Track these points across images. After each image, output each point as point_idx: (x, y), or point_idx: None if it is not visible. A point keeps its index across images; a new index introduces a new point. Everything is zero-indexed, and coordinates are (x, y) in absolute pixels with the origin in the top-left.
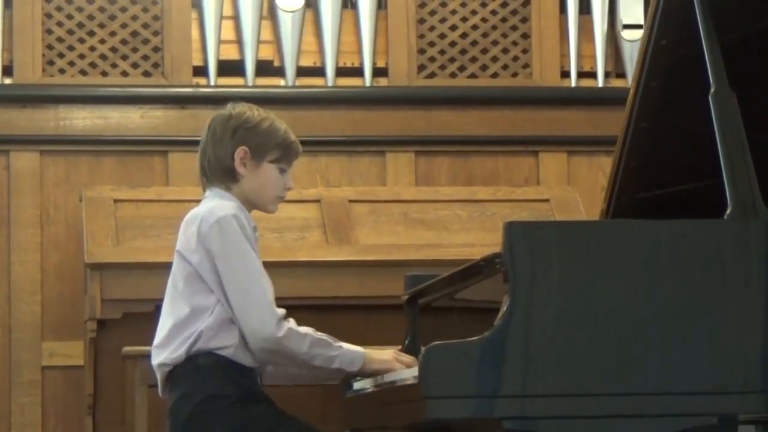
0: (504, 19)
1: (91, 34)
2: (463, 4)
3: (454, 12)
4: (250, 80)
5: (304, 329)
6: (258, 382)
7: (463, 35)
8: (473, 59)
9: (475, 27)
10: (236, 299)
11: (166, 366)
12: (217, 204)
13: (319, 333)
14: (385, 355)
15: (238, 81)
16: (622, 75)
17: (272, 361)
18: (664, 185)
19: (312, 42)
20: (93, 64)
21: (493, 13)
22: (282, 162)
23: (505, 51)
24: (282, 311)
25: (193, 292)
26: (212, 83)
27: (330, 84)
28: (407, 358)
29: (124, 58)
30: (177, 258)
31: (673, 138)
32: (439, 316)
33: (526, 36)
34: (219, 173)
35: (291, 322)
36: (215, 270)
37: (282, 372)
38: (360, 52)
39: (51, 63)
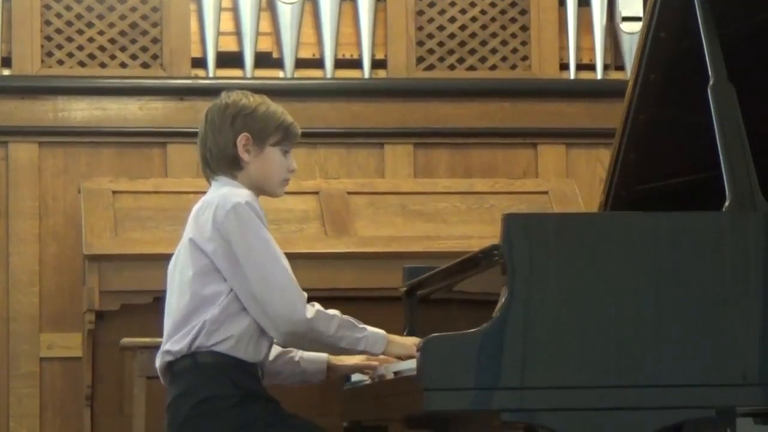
0: (503, 11)
1: (90, 25)
2: None
3: (452, 4)
4: (249, 72)
5: (331, 311)
6: (260, 376)
7: (462, 27)
8: (472, 51)
9: (474, 19)
10: (259, 285)
11: (169, 354)
12: (229, 191)
13: (344, 315)
14: (406, 341)
15: (237, 73)
16: (621, 67)
17: (297, 345)
18: (663, 178)
19: (311, 34)
20: (92, 56)
21: (492, 5)
22: (284, 143)
23: (503, 43)
24: (305, 294)
25: (204, 280)
26: (211, 75)
27: (329, 76)
28: None
29: (123, 49)
30: (190, 246)
31: (672, 130)
32: (438, 308)
33: (525, 28)
34: (222, 163)
35: (317, 305)
36: (230, 258)
37: (289, 372)
38: (359, 44)
39: (50, 54)
